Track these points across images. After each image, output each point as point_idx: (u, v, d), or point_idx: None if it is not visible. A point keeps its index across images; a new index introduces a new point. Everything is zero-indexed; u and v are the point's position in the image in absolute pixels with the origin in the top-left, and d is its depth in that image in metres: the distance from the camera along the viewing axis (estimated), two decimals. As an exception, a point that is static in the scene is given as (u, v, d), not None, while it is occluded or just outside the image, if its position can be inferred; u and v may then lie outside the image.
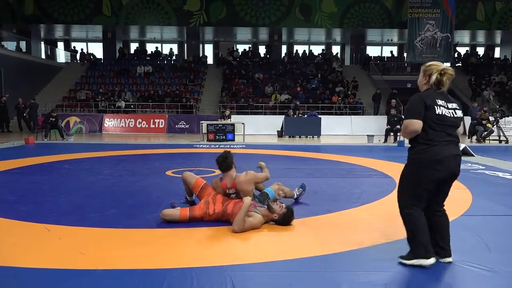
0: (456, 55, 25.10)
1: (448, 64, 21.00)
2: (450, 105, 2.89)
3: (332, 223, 4.01)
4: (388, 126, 13.73)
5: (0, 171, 6.88)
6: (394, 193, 5.29)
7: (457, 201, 4.87)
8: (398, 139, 13.26)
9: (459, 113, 2.92)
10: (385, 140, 13.54)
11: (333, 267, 2.94)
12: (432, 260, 2.86)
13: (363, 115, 19.17)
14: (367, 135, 13.82)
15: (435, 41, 22.37)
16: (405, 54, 24.67)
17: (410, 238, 2.96)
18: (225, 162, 4.12)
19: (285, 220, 3.83)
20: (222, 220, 3.89)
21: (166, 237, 3.54)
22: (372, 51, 27.10)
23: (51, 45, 25.55)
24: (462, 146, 9.64)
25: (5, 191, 5.37)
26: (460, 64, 25.11)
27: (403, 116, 13.54)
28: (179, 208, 4.01)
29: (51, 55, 25.02)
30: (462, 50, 26.61)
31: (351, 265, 3.00)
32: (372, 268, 2.92)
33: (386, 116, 15.67)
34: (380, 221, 4.04)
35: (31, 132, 16.59)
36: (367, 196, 5.15)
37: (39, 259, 2.98)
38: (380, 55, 26.64)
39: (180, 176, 5.24)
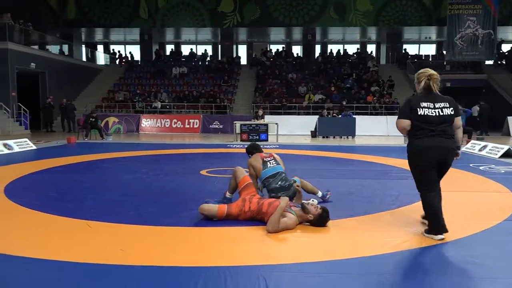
0: (499, 53, 24.01)
1: (491, 62, 20.18)
2: (437, 105, 3.46)
3: (367, 225, 3.94)
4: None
5: (45, 169, 7.22)
6: (432, 195, 5.17)
7: (500, 205, 4.68)
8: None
9: (447, 111, 3.45)
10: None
11: (367, 271, 2.89)
12: (440, 236, 3.44)
13: (399, 115, 18.67)
14: (404, 136, 13.43)
15: (476, 38, 21.47)
16: (444, 52, 23.86)
17: (426, 215, 3.62)
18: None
19: (320, 221, 3.80)
20: (257, 218, 3.91)
21: (201, 236, 3.60)
22: (409, 49, 26.40)
23: (92, 48, 26.53)
24: (505, 147, 9.22)
25: (50, 188, 5.63)
26: (504, 62, 24.01)
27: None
28: (217, 204, 4.08)
29: (92, 57, 25.98)
30: (506, 47, 25.42)
31: (386, 269, 2.94)
32: (408, 273, 2.86)
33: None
34: (417, 225, 3.93)
35: (69, 131, 17.31)
36: (404, 198, 5.04)
37: (81, 254, 3.11)
38: (417, 53, 25.90)
39: (215, 175, 5.29)
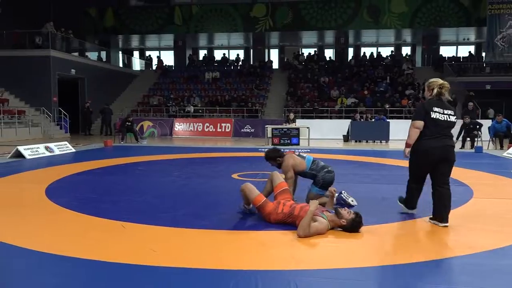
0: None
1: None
2: (445, 111, 4.02)
3: (401, 232, 3.84)
4: (464, 132, 12.85)
5: (83, 171, 7.48)
6: (471, 202, 5.00)
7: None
8: (475, 144, 12.39)
9: (452, 118, 4.04)
10: (462, 146, 12.71)
11: (399, 279, 2.81)
12: (412, 210, 4.43)
13: (435, 119, 18.12)
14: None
15: (519, 39, 20.57)
16: (483, 54, 22.99)
17: (405, 199, 4.47)
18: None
19: (353, 226, 3.73)
20: (287, 222, 3.89)
21: (232, 239, 3.62)
22: (446, 51, 25.60)
23: (128, 54, 27.33)
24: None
25: (88, 189, 5.82)
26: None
27: (478, 121, 12.70)
28: (258, 192, 4.15)
29: (128, 63, 26.76)
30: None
31: (418, 278, 2.85)
32: (441, 283, 2.75)
33: (462, 120, 14.71)
34: (453, 233, 3.80)
35: (106, 135, 17.88)
36: (440, 204, 4.85)
37: (115, 254, 3.19)
38: (455, 55, 25.07)
39: (246, 179, 5.26)
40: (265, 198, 4.10)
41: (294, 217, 3.84)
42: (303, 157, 4.82)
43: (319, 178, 4.74)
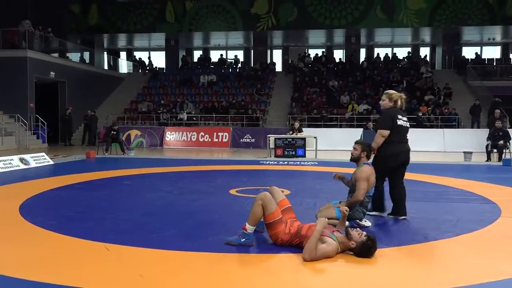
0: None
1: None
2: (404, 119, 5.15)
3: (420, 256, 3.82)
4: (490, 141, 12.87)
5: (61, 186, 7.47)
6: (498, 221, 4.99)
7: None
8: (503, 156, 12.39)
9: (408, 124, 5.20)
10: (488, 158, 12.71)
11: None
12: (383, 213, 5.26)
13: (458, 128, 18.18)
14: (464, 152, 13.07)
15: (550, 39, 20.71)
16: (511, 55, 23.12)
17: (377, 199, 5.21)
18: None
19: (363, 250, 3.69)
20: (294, 243, 3.88)
21: (230, 263, 3.60)
22: (470, 52, 25.73)
23: (114, 55, 27.52)
24: None
25: (66, 207, 5.81)
26: None
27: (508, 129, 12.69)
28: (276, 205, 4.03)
29: (114, 65, 26.94)
30: None
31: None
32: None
33: (488, 129, 14.71)
34: (480, 256, 3.78)
35: (89, 145, 17.92)
36: (464, 224, 4.86)
37: (98, 281, 3.17)
38: (479, 57, 25.20)
39: (245, 195, 5.27)
40: (281, 215, 4.01)
41: (301, 237, 3.82)
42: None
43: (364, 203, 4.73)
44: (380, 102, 5.31)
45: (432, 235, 4.46)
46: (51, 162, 10.99)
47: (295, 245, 3.87)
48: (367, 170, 4.73)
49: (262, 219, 4.03)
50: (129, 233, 4.48)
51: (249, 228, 3.97)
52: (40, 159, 10.83)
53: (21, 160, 10.17)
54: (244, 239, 3.97)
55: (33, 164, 10.35)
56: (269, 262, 3.63)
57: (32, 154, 10.94)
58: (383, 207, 5.25)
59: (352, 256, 3.73)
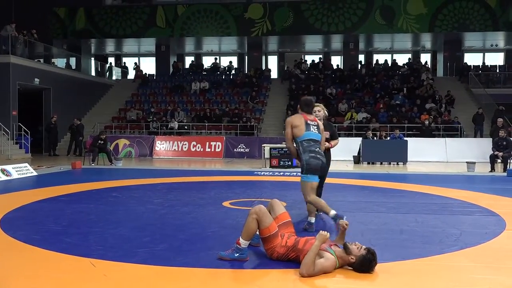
0: None
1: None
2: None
3: (424, 271, 3.82)
4: (495, 151, 12.95)
5: (45, 198, 7.42)
6: (503, 235, 5.01)
7: None
8: (508, 167, 12.46)
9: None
10: (492, 169, 12.78)
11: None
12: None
13: (460, 137, 18.28)
14: (467, 162, 13.14)
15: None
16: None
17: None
18: (311, 103, 5.41)
19: (364, 265, 3.68)
20: (290, 257, 3.87)
21: (223, 280, 3.58)
22: (472, 59, 25.97)
23: (102, 61, 27.52)
24: None
25: (50, 220, 5.76)
26: None
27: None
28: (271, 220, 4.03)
29: (101, 71, 26.91)
30: None
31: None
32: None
33: (491, 138, 14.81)
34: (486, 271, 3.78)
35: (75, 154, 17.83)
36: (467, 238, 4.87)
37: (83, 298, 3.14)
38: (482, 63, 25.45)
39: (239, 207, 5.24)
40: (277, 228, 4.02)
41: (298, 251, 3.81)
42: (309, 129, 5.10)
43: (303, 162, 5.07)
44: (318, 113, 5.71)
45: (435, 249, 4.46)
46: (35, 173, 10.92)
47: (291, 259, 3.86)
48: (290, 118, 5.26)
49: (257, 233, 4.03)
50: (117, 248, 4.44)
51: (243, 243, 3.95)
52: (23, 170, 10.75)
53: (3, 171, 10.09)
54: (237, 254, 3.95)
55: (15, 175, 10.27)
56: (265, 279, 3.61)
57: (14, 165, 10.86)
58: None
59: (352, 271, 3.72)
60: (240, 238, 3.97)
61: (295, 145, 5.21)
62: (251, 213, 3.97)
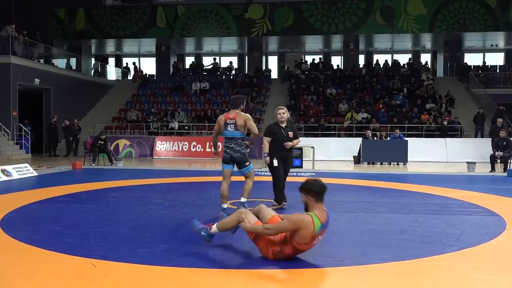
0: None
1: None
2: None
3: (423, 271, 3.82)
4: (495, 151, 12.94)
5: (46, 199, 7.42)
6: (504, 235, 5.01)
7: None
8: (508, 167, 12.45)
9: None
10: (492, 169, 12.77)
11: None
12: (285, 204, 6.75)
13: (461, 137, 18.28)
14: (467, 162, 13.14)
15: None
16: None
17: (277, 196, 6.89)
18: (235, 100, 6.31)
19: (310, 190, 3.92)
20: (286, 252, 3.91)
21: (222, 280, 3.59)
22: (472, 59, 25.98)
23: (102, 61, 27.53)
24: None
25: (50, 220, 5.77)
26: None
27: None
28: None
29: (101, 72, 26.92)
30: None
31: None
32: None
33: (491, 138, 14.81)
34: (487, 271, 3.78)
35: (70, 155, 17.87)
36: (468, 238, 4.88)
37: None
38: (482, 63, 25.45)
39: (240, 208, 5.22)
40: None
41: (288, 241, 3.87)
42: (227, 128, 6.07)
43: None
44: (282, 115, 6.65)
45: (436, 249, 4.46)
46: (35, 174, 10.91)
47: (289, 256, 3.89)
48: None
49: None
50: (117, 248, 4.44)
51: (214, 230, 4.34)
52: (23, 170, 10.75)
53: (3, 171, 10.09)
54: (205, 234, 4.37)
55: (15, 175, 10.27)
56: (265, 279, 3.62)
57: (14, 165, 10.86)
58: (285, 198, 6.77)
59: (348, 271, 3.72)
60: (215, 225, 4.34)
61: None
62: (236, 212, 4.29)
